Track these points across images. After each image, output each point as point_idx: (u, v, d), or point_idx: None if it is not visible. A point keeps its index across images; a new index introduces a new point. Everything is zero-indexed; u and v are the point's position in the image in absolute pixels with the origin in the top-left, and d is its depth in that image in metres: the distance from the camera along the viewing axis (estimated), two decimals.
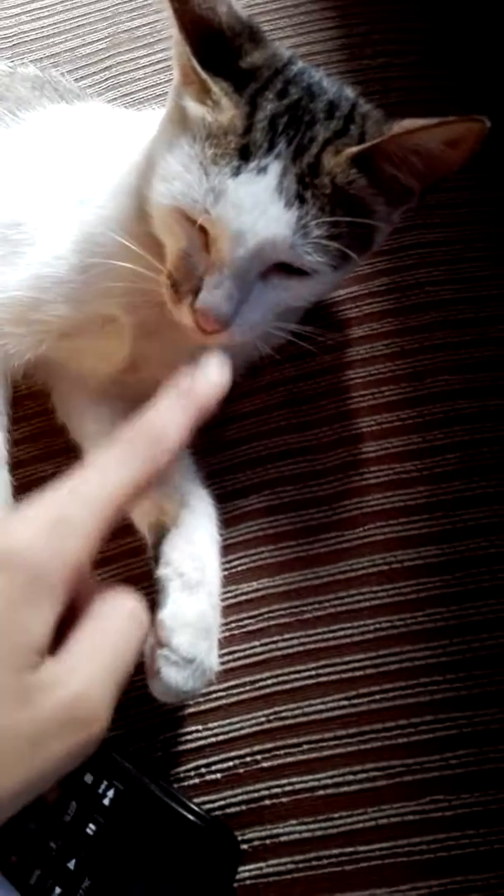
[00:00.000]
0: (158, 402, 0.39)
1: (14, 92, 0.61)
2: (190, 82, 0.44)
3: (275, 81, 0.45)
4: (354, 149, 0.43)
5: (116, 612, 0.35)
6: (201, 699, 0.50)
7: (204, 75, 0.43)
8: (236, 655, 0.51)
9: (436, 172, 0.44)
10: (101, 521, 0.34)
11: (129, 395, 0.56)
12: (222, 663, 0.47)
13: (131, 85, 0.76)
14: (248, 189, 0.42)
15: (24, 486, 0.58)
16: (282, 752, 0.49)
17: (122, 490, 0.35)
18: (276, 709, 0.50)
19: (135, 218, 0.49)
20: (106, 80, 0.76)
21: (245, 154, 0.42)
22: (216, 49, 0.43)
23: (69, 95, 0.63)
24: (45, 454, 0.59)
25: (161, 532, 0.50)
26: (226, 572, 0.51)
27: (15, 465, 0.54)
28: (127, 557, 0.55)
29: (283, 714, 0.50)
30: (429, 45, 0.75)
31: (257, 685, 0.51)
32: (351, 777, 0.48)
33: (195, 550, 0.49)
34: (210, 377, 0.40)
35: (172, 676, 0.44)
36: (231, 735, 0.50)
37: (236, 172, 0.42)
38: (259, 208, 0.42)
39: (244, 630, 0.52)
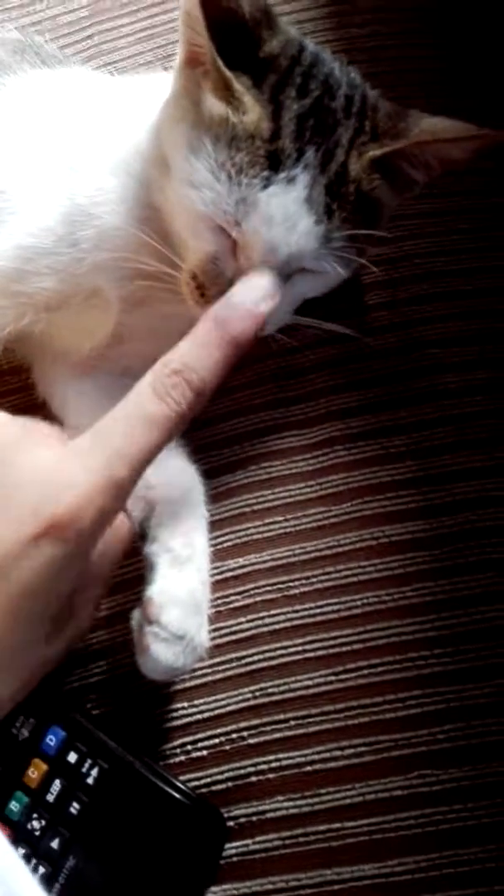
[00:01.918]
0: (190, 337, 0.39)
1: None
2: (204, 72, 0.43)
3: (293, 74, 0.44)
4: (378, 152, 0.44)
5: None
6: (187, 676, 0.49)
7: (228, 73, 0.42)
8: (223, 632, 0.51)
9: (447, 169, 0.46)
10: (131, 483, 0.37)
11: (112, 368, 0.55)
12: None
13: (114, 53, 0.74)
14: (279, 201, 0.42)
15: None
16: (268, 728, 0.48)
17: (150, 452, 0.37)
18: (263, 685, 0.49)
19: (144, 204, 0.49)
20: (88, 48, 0.75)
21: (274, 163, 0.42)
22: (234, 39, 0.42)
23: (51, 61, 0.62)
24: None
25: (148, 508, 0.49)
26: (212, 548, 0.50)
27: None
28: None
29: (270, 690, 0.49)
30: (419, 14, 0.73)
31: (244, 661, 0.50)
32: (338, 753, 0.48)
33: (183, 526, 0.48)
34: (248, 303, 0.40)
35: (162, 653, 0.43)
36: (217, 712, 0.49)
37: (266, 184, 0.42)
38: (289, 221, 0.42)
39: (230, 606, 0.51)
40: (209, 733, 0.49)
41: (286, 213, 0.42)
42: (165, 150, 0.46)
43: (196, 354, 0.39)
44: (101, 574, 0.41)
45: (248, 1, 0.43)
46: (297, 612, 0.51)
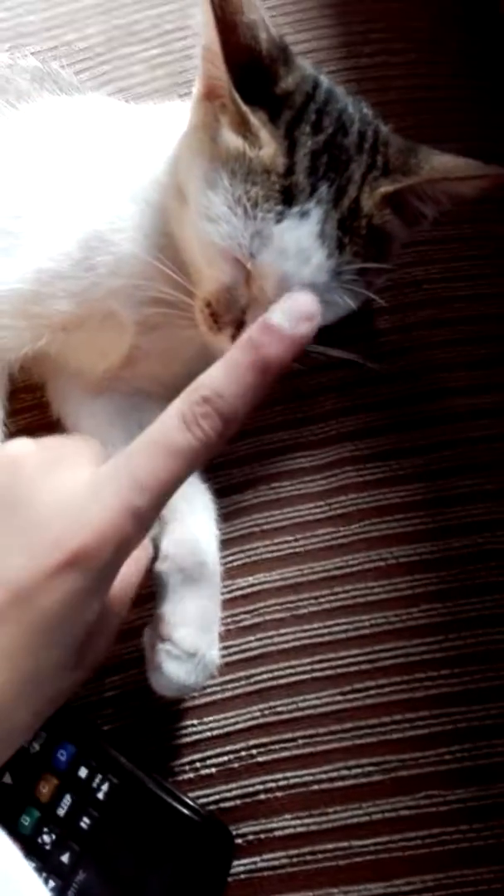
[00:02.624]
0: (222, 361, 0.37)
1: (14, 84, 0.61)
2: (222, 106, 0.45)
3: (308, 111, 0.45)
4: (389, 188, 0.45)
5: None
6: (196, 694, 0.50)
7: (244, 108, 0.43)
8: (232, 650, 0.51)
9: (456, 204, 0.47)
10: (155, 512, 0.36)
11: (125, 389, 0.56)
12: None
13: (128, 80, 0.75)
14: (292, 234, 0.43)
15: None
16: (277, 746, 0.49)
17: (174, 483, 0.36)
18: (272, 703, 0.50)
19: (160, 232, 0.50)
20: (103, 74, 0.76)
21: (288, 198, 0.43)
22: (251, 74, 0.44)
23: (69, 89, 0.63)
24: None
25: (160, 527, 0.50)
26: (222, 567, 0.51)
27: None
28: None
29: (279, 709, 0.50)
30: (428, 44, 0.75)
31: (252, 680, 0.51)
32: (346, 772, 0.48)
33: (195, 545, 0.49)
34: (286, 325, 0.37)
35: (174, 671, 0.44)
36: (226, 729, 0.50)
37: (280, 218, 0.43)
38: (303, 255, 0.44)
39: (239, 625, 0.52)
40: (218, 750, 0.49)
41: (299, 246, 0.43)
42: (182, 181, 0.47)
43: (227, 381, 0.36)
44: (121, 601, 0.40)
45: (266, 38, 0.44)
46: (305, 631, 0.51)
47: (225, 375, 0.37)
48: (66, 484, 0.37)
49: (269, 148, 0.44)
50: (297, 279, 0.44)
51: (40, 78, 0.63)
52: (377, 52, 0.74)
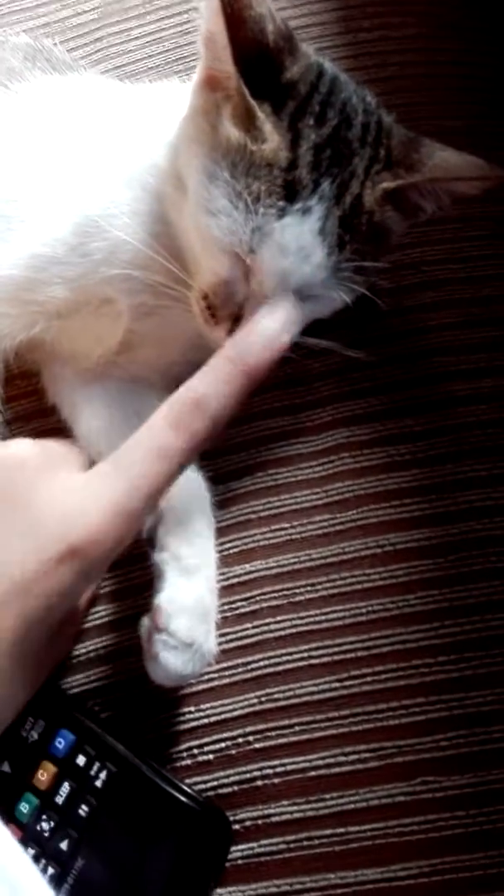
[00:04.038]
0: (208, 367, 0.40)
1: (5, 63, 0.60)
2: (225, 96, 0.44)
3: (312, 101, 0.44)
4: (391, 185, 0.45)
5: None
6: (194, 681, 0.50)
7: (252, 103, 0.42)
8: (228, 637, 0.51)
9: (456, 201, 0.47)
10: (146, 511, 0.39)
11: (121, 375, 0.56)
12: None
13: (123, 57, 0.74)
14: (293, 231, 0.43)
15: None
16: (273, 733, 0.49)
17: (165, 483, 0.39)
18: (268, 690, 0.50)
19: (156, 219, 0.49)
20: (97, 51, 0.75)
21: (290, 194, 0.43)
22: (256, 64, 0.43)
23: (62, 66, 0.62)
24: (36, 434, 0.58)
25: (156, 516, 0.50)
26: (218, 554, 0.51)
27: None
28: None
29: (275, 696, 0.50)
30: (427, 19, 0.73)
31: (249, 667, 0.51)
32: (342, 758, 0.48)
33: (191, 534, 0.49)
34: (268, 335, 0.40)
35: (171, 660, 0.44)
36: (223, 716, 0.50)
37: (281, 214, 0.42)
38: (303, 252, 0.43)
39: (236, 612, 0.52)
40: (215, 737, 0.49)
41: (300, 243, 0.43)
42: (181, 169, 0.47)
43: (213, 385, 0.39)
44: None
45: (273, 29, 0.43)
46: (302, 618, 0.51)
47: (212, 380, 0.39)
48: (65, 484, 0.40)
49: (272, 142, 0.43)
50: (296, 277, 0.44)
51: (32, 56, 0.62)
52: (375, 26, 0.73)
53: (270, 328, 0.40)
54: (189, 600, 0.46)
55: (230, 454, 0.56)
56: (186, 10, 0.75)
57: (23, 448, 0.43)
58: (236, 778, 0.48)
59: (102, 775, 0.46)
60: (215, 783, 0.48)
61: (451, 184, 0.46)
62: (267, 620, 0.52)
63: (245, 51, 0.42)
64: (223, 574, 0.52)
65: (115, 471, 0.39)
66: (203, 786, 0.48)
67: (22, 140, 0.54)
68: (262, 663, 0.51)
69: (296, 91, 0.44)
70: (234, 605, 0.52)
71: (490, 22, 0.74)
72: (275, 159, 0.43)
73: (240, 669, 0.51)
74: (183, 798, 0.45)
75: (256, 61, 0.43)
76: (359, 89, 0.48)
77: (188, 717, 0.50)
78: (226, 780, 0.49)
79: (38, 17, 0.77)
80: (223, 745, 0.49)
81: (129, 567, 0.53)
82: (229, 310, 0.46)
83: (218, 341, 0.47)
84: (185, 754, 0.49)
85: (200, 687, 0.50)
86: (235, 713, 0.50)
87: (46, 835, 0.45)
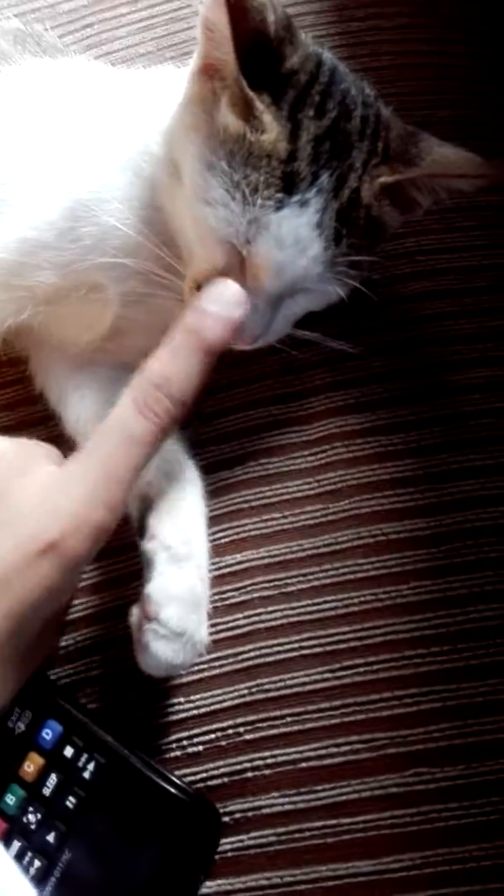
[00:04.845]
0: (166, 347, 0.41)
1: None
2: (223, 86, 0.43)
3: (312, 91, 0.44)
4: (389, 179, 0.44)
5: None
6: (184, 671, 0.49)
7: (251, 94, 0.42)
8: (219, 628, 0.50)
9: (453, 197, 0.47)
10: (123, 498, 0.39)
11: (109, 362, 0.55)
12: None
13: (114, 43, 0.73)
14: (290, 224, 0.42)
15: None
16: (264, 724, 0.49)
17: (137, 467, 0.39)
18: (259, 681, 0.49)
19: (148, 205, 0.49)
20: (88, 37, 0.74)
21: (288, 185, 0.42)
22: (256, 54, 0.42)
23: (52, 51, 0.61)
24: (23, 423, 0.58)
25: (146, 504, 0.49)
26: (210, 544, 0.50)
27: None
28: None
29: (266, 686, 0.49)
30: (421, 9, 0.73)
31: (240, 657, 0.50)
32: (334, 749, 0.48)
33: (182, 522, 0.48)
34: (220, 310, 0.41)
35: (162, 650, 0.43)
36: (213, 707, 0.49)
37: (279, 206, 0.42)
38: (299, 245, 0.43)
39: (227, 602, 0.51)
40: (205, 729, 0.49)
41: (297, 236, 0.43)
42: (177, 156, 0.46)
43: (174, 365, 0.40)
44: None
45: (274, 18, 0.42)
46: (293, 608, 0.51)
47: (170, 360, 0.40)
48: (41, 479, 0.40)
49: (271, 133, 0.42)
50: (292, 269, 0.43)
51: (22, 40, 0.61)
52: (369, 16, 0.72)
53: (218, 304, 0.41)
54: (180, 589, 0.45)
55: (222, 443, 0.56)
56: None
57: None
58: (226, 769, 0.48)
59: (90, 767, 0.45)
60: (205, 775, 0.48)
61: (448, 180, 0.46)
62: (258, 610, 0.51)
63: (246, 41, 0.41)
64: (214, 564, 0.51)
65: (89, 462, 0.39)
66: (193, 777, 0.48)
67: (13, 123, 0.53)
68: (253, 654, 0.50)
69: (296, 81, 0.44)
70: (224, 595, 0.51)
71: (484, 13, 0.74)
72: (274, 150, 0.42)
73: (230, 660, 0.50)
74: (172, 790, 0.44)
75: (256, 50, 0.42)
76: (357, 80, 0.47)
77: (178, 708, 0.49)
78: (216, 772, 0.48)
79: (28, 2, 0.76)
80: (213, 736, 0.49)
81: (118, 557, 0.53)
82: None
83: None
84: (174, 746, 0.49)
85: (190, 678, 0.50)
86: (226, 704, 0.49)
87: (33, 827, 0.45)
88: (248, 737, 0.48)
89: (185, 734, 0.49)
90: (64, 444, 0.55)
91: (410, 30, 0.72)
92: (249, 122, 0.42)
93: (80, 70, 0.58)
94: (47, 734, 0.46)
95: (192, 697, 0.49)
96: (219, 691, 0.49)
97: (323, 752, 0.48)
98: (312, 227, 0.43)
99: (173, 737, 0.49)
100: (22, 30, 0.63)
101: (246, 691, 0.49)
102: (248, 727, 0.49)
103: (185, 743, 0.49)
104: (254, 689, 0.49)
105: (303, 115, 0.43)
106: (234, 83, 0.42)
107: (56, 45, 0.64)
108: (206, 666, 0.50)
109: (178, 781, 0.45)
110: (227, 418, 0.56)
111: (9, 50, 0.59)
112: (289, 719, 0.48)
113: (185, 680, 0.50)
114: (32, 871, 0.44)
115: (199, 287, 0.46)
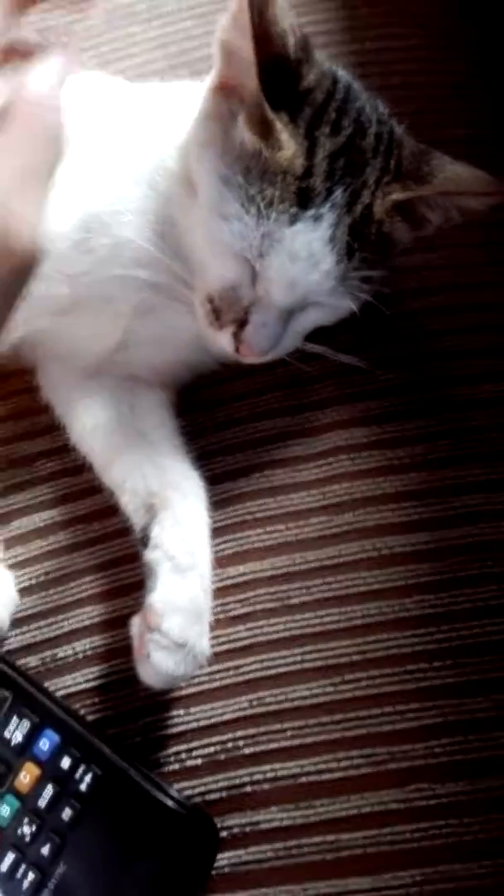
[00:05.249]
0: None
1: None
2: (240, 103, 0.44)
3: (328, 109, 0.45)
4: (400, 196, 0.45)
5: None
6: (184, 684, 0.49)
7: (272, 116, 0.42)
8: (221, 640, 0.50)
9: (465, 216, 0.47)
10: None
11: (117, 373, 0.55)
12: None
13: (127, 61, 0.74)
14: (304, 238, 0.43)
15: (8, 464, 0.57)
16: (264, 738, 0.48)
17: None
18: (260, 694, 0.49)
19: (162, 219, 0.49)
20: (101, 55, 0.75)
21: (303, 200, 0.43)
22: (275, 73, 0.43)
23: None
24: (30, 432, 0.58)
25: (150, 514, 0.49)
26: (213, 556, 0.50)
27: None
28: (113, 538, 0.54)
29: (267, 700, 0.49)
30: (430, 29, 0.74)
31: (241, 670, 0.50)
32: (334, 764, 0.47)
33: (186, 533, 0.48)
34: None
35: (163, 661, 0.43)
36: (213, 720, 0.49)
37: (293, 220, 0.43)
38: (312, 259, 0.43)
39: (229, 615, 0.51)
40: (205, 742, 0.48)
41: (310, 251, 0.43)
42: (193, 171, 0.46)
43: None
44: None
45: (294, 42, 0.43)
46: (296, 621, 0.50)
47: None
48: None
49: (288, 150, 0.43)
50: (304, 284, 0.44)
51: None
52: (380, 36, 0.73)
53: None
54: (183, 600, 0.45)
55: (227, 455, 0.56)
56: (190, 17, 0.75)
57: None
58: (225, 783, 0.47)
59: (87, 778, 0.45)
60: (203, 788, 0.47)
61: (459, 198, 0.46)
62: (260, 623, 0.51)
63: (266, 64, 0.42)
64: (217, 576, 0.51)
65: None
66: (191, 791, 0.47)
67: None
68: (254, 667, 0.50)
69: (312, 98, 0.44)
70: (227, 607, 0.51)
71: (492, 34, 0.75)
72: (290, 167, 0.43)
73: (231, 673, 0.50)
74: (169, 803, 0.44)
75: (275, 70, 0.43)
76: (371, 98, 0.48)
77: (177, 720, 0.49)
78: (214, 786, 0.47)
79: (43, 21, 0.77)
80: (212, 749, 0.48)
81: (119, 568, 0.53)
82: (234, 314, 0.46)
83: (219, 346, 0.47)
84: (172, 759, 0.48)
85: (190, 690, 0.49)
86: (226, 717, 0.49)
87: (27, 840, 0.44)
88: (247, 751, 0.48)
89: (184, 747, 0.48)
90: (70, 453, 0.55)
91: (422, 50, 0.72)
92: (267, 141, 0.43)
93: (96, 83, 0.59)
94: (44, 745, 0.46)
95: (191, 710, 0.49)
96: (219, 704, 0.49)
97: (323, 766, 0.47)
98: (325, 241, 0.43)
99: (172, 749, 0.48)
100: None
101: (246, 704, 0.49)
102: (248, 741, 0.48)
103: (183, 756, 0.48)
104: (254, 703, 0.49)
105: (319, 132, 0.44)
106: (255, 105, 0.43)
107: None
108: (206, 678, 0.49)
109: (175, 795, 0.44)
110: (233, 430, 0.56)
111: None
112: (289, 733, 0.48)
113: (184, 692, 0.49)
114: (26, 884, 0.43)
115: (211, 301, 0.46)
